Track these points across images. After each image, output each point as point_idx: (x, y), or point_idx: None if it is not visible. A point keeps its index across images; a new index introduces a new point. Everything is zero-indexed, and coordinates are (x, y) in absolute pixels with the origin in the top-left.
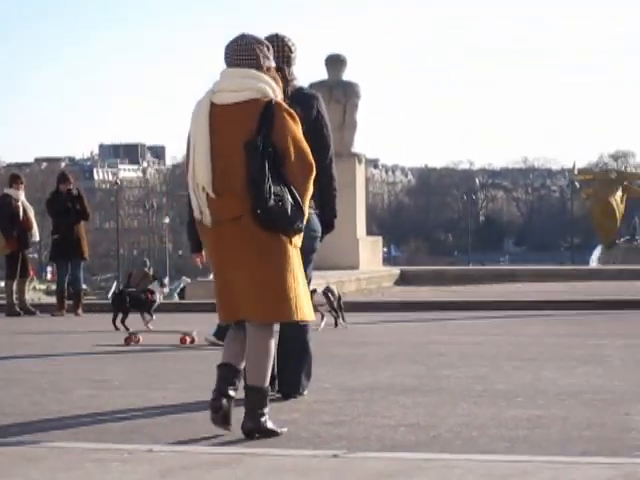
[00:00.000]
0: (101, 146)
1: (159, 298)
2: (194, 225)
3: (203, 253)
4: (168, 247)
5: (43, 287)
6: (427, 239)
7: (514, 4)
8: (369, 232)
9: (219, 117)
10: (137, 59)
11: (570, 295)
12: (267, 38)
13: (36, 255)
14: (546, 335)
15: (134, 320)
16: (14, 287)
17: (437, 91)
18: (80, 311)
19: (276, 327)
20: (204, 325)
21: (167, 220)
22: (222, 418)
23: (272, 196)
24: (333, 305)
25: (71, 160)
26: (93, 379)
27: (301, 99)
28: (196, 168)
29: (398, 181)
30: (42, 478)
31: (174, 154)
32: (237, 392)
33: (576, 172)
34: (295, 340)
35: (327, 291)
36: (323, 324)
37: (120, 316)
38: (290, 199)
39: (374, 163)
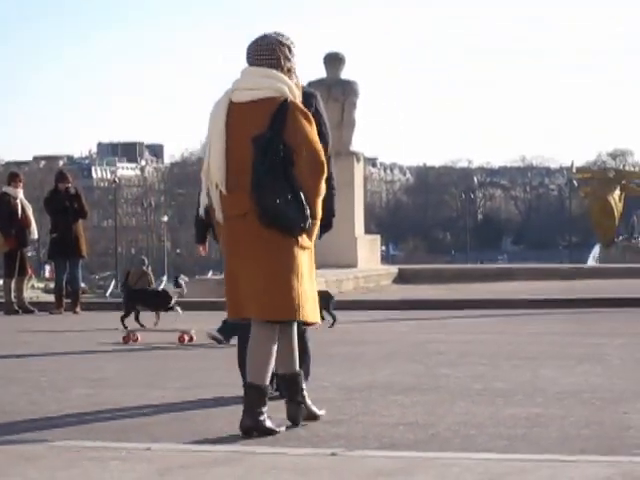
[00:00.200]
0: (99, 145)
1: (174, 298)
2: (200, 218)
3: (206, 245)
4: (166, 245)
5: (41, 285)
6: (425, 237)
7: (514, 4)
8: (367, 230)
9: (235, 115)
10: (137, 59)
11: (569, 294)
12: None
13: (34, 253)
14: (545, 334)
15: (131, 319)
16: (12, 285)
17: (437, 91)
18: (78, 309)
19: None
20: (202, 323)
21: (165, 218)
22: (306, 419)
23: (275, 194)
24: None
25: (69, 158)
26: (92, 378)
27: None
28: (211, 166)
29: (396, 179)
30: (41, 477)
31: (172, 153)
32: (306, 396)
33: (574, 171)
34: None
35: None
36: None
37: (132, 314)
38: (294, 198)
39: (372, 161)
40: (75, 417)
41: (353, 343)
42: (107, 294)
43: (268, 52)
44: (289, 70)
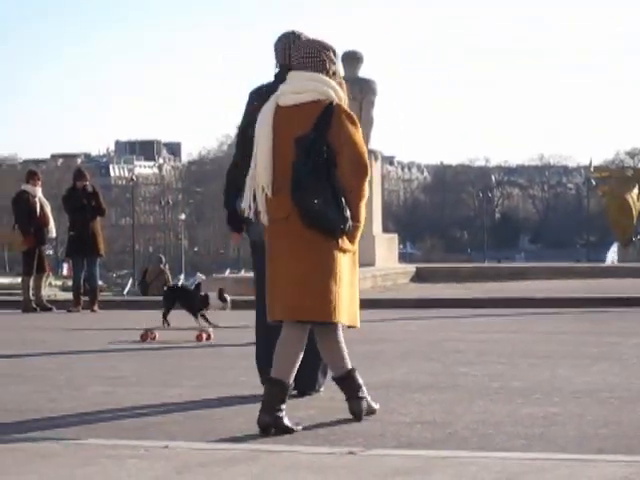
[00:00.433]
0: (117, 143)
1: (212, 304)
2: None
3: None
4: (184, 244)
5: (59, 283)
6: (443, 236)
7: (514, 4)
8: (385, 229)
9: (282, 118)
10: (137, 59)
11: (586, 293)
12: (283, 35)
13: (52, 252)
14: (562, 333)
15: (148, 317)
16: (31, 283)
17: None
18: (96, 307)
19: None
20: (220, 322)
21: (183, 216)
22: (366, 414)
23: (315, 194)
24: None
25: (87, 156)
26: (109, 375)
27: None
28: (258, 167)
29: (414, 178)
30: (58, 475)
31: (190, 151)
32: (365, 390)
33: (592, 169)
34: (312, 337)
35: None
36: None
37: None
38: (334, 199)
39: (390, 160)
40: (92, 415)
41: (371, 341)
42: (125, 292)
43: (313, 56)
44: (334, 73)
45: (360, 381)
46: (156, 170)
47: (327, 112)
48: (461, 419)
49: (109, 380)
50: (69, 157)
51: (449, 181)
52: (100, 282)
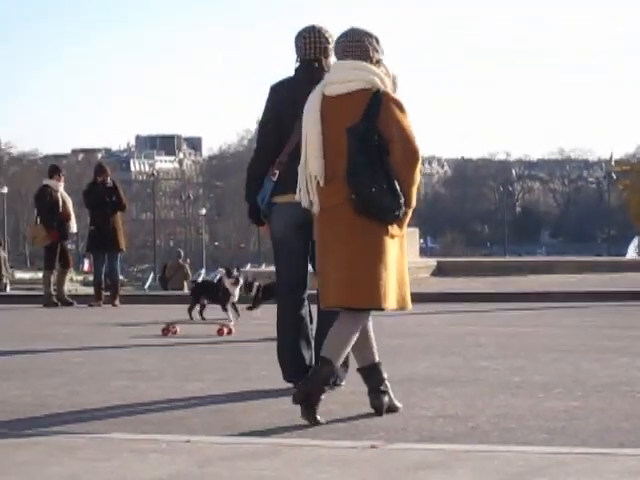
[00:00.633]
0: (137, 137)
1: (236, 294)
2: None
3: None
4: (204, 238)
5: (80, 278)
6: (463, 230)
7: (514, 4)
8: None
9: (329, 108)
10: (137, 59)
11: (607, 286)
12: (304, 30)
13: (73, 246)
14: (583, 326)
15: (170, 311)
16: (52, 278)
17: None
18: (117, 302)
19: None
20: (241, 316)
21: (203, 211)
22: (387, 410)
23: (371, 182)
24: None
25: (107, 151)
26: (131, 370)
27: None
28: (308, 159)
29: (435, 172)
30: (81, 468)
31: (210, 145)
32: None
33: (613, 163)
34: (326, 329)
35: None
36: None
37: (197, 307)
38: (389, 187)
39: None
40: (114, 409)
41: (392, 336)
42: (145, 287)
43: (357, 45)
44: (377, 62)
45: (384, 375)
46: (177, 165)
47: (375, 100)
48: (483, 413)
49: (131, 374)
50: (90, 152)
51: (470, 175)
52: (121, 277)
